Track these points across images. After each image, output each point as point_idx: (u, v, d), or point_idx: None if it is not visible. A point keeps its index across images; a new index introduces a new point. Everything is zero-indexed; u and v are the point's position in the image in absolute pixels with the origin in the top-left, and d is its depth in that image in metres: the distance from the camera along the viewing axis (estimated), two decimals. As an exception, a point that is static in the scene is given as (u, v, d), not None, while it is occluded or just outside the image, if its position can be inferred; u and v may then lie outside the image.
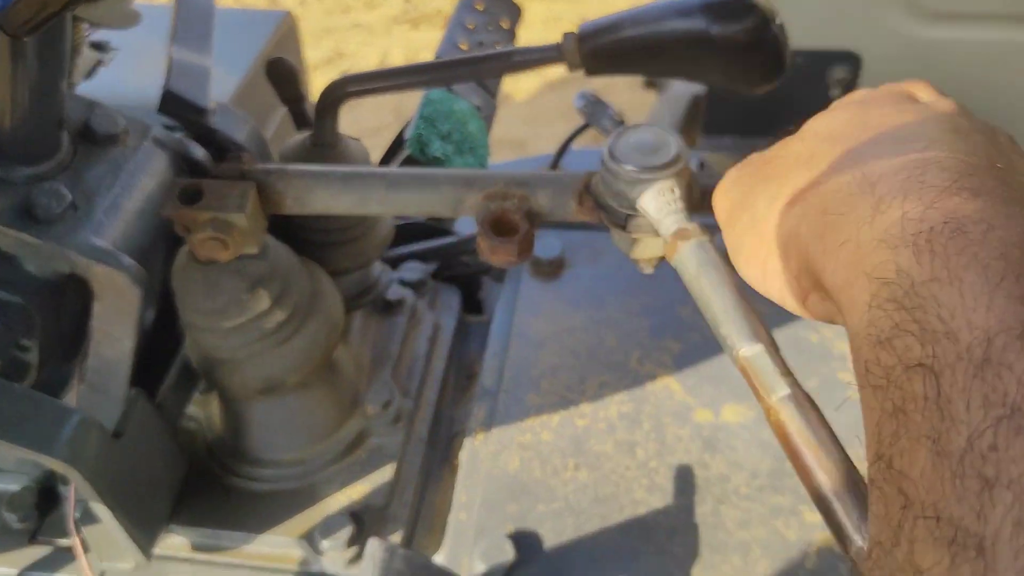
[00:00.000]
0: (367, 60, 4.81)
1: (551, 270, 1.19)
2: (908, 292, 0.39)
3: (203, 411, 1.06)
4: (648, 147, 0.76)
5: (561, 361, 1.09)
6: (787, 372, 0.62)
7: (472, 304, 1.33)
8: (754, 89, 0.88)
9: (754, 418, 1.02)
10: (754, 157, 0.62)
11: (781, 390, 0.60)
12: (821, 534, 0.92)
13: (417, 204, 0.85)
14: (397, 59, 4.83)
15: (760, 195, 0.56)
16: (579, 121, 1.47)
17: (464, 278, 1.30)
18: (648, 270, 0.84)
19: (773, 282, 0.55)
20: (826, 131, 0.54)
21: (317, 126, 0.96)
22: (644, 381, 1.07)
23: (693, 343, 1.10)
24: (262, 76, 1.57)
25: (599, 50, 0.86)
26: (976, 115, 0.56)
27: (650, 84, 2.25)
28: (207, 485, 1.01)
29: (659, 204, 0.74)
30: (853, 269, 0.44)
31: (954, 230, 0.40)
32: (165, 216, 0.81)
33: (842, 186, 0.48)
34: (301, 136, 1.00)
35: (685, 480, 0.97)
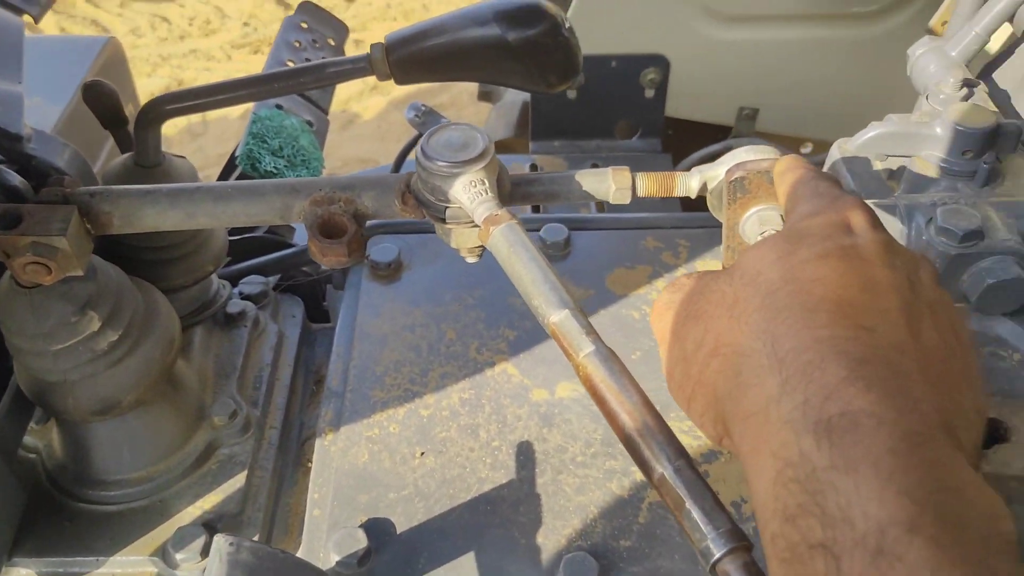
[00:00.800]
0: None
1: (389, 273, 1.24)
2: (810, 476, 0.45)
3: (42, 440, 1.05)
4: (457, 144, 0.82)
5: (403, 357, 1.14)
6: (591, 331, 0.70)
7: (318, 313, 1.36)
8: (551, 89, 0.96)
9: (586, 392, 1.09)
10: (685, 283, 0.65)
11: (587, 347, 0.68)
12: (653, 493, 1.00)
13: (245, 215, 0.88)
14: (238, 84, 4.77)
15: (688, 333, 0.60)
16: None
17: (307, 288, 1.33)
18: (472, 259, 0.90)
19: (694, 416, 0.60)
20: (752, 274, 0.57)
21: (138, 146, 0.98)
22: (483, 368, 1.13)
23: (526, 330, 1.17)
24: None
25: (405, 59, 0.92)
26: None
27: (484, 96, 2.34)
28: (52, 514, 1.00)
29: (471, 194, 0.80)
30: (760, 442, 0.50)
31: (849, 423, 0.45)
32: (-17, 241, 0.81)
33: (755, 353, 0.52)
34: (123, 158, 1.02)
35: (526, 455, 1.04)
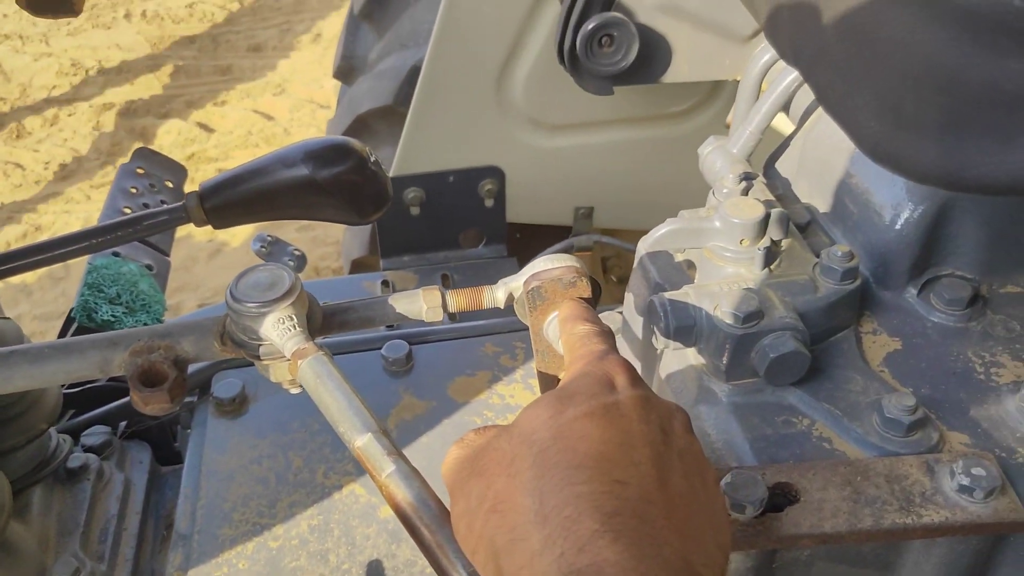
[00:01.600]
0: (69, 229, 4.64)
1: (235, 407, 1.25)
2: None
3: None
4: (265, 284, 0.86)
5: (251, 491, 1.15)
6: (392, 451, 0.74)
7: (169, 454, 1.35)
8: (366, 219, 1.02)
9: (433, 503, 1.12)
10: (472, 439, 0.68)
11: (388, 467, 0.72)
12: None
13: (65, 373, 0.89)
14: (101, 223, 4.70)
15: (472, 489, 0.63)
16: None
17: (156, 431, 1.32)
18: (294, 390, 0.93)
19: (478, 568, 0.63)
20: (527, 432, 0.62)
21: (-43, 312, 0.98)
22: (331, 492, 1.14)
23: (374, 448, 1.20)
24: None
25: (220, 206, 0.96)
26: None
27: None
28: None
29: (280, 331, 0.84)
30: None
31: (595, 572, 0.51)
32: None
33: (525, 509, 0.57)
34: (-58, 325, 1.01)
35: (376, 574, 1.05)
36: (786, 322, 0.94)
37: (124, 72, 6.12)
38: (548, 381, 0.99)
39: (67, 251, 0.98)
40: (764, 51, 1.26)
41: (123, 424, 1.30)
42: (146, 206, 1.52)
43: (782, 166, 1.28)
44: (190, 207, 0.96)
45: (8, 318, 1.06)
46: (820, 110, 1.19)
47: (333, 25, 6.67)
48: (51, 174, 5.06)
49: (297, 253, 1.68)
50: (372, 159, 1.01)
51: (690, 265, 1.12)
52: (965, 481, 0.83)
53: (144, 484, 1.21)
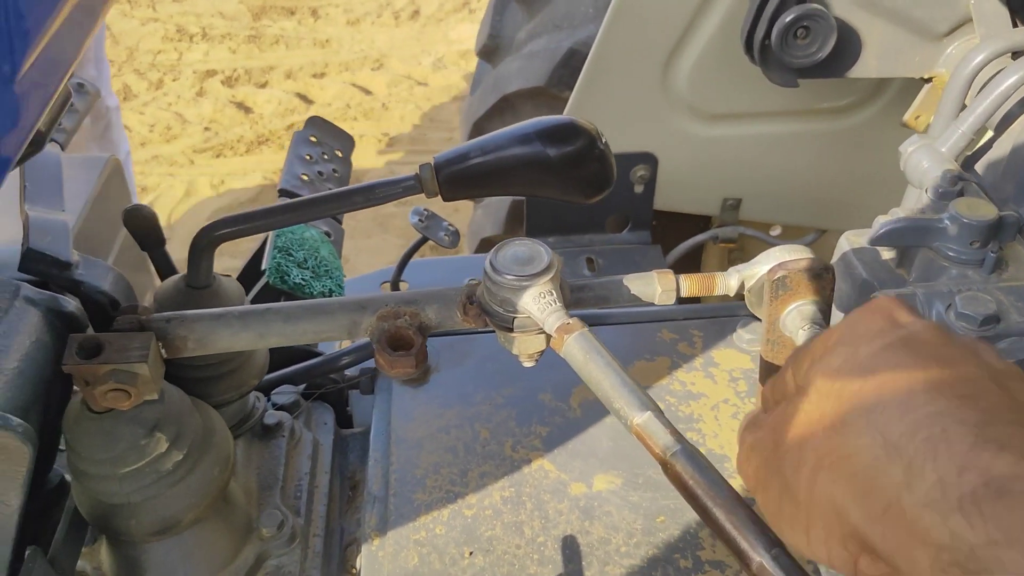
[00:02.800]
0: (172, 192, 4.76)
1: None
2: (969, 556, 0.43)
3: (91, 562, 1.05)
4: (524, 259, 0.87)
5: (441, 459, 1.17)
6: (674, 430, 0.74)
7: (343, 419, 1.38)
8: (588, 199, 1.02)
9: (623, 484, 1.13)
10: (760, 418, 0.64)
11: (673, 447, 0.73)
12: (695, 578, 1.04)
13: (315, 333, 0.91)
14: (203, 189, 4.81)
15: (784, 461, 0.58)
16: (411, 235, 1.58)
17: (333, 395, 1.35)
18: (529, 363, 0.95)
19: (819, 549, 0.56)
20: (827, 385, 0.57)
21: (191, 269, 1.01)
22: (520, 465, 1.16)
23: (558, 425, 1.21)
24: (94, 218, 1.60)
25: (453, 177, 0.98)
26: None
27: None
28: (106, 637, 1.00)
29: (540, 305, 0.85)
30: (904, 534, 0.47)
31: (996, 491, 0.43)
32: (66, 371, 0.83)
33: (864, 449, 0.51)
34: (174, 280, 1.05)
35: (571, 549, 1.06)
36: (1023, 327, 0.93)
37: (227, 40, 6.25)
38: (771, 371, 0.99)
39: (302, 214, 1.01)
40: (978, 50, 1.23)
41: (303, 386, 1.33)
42: (320, 173, 1.55)
43: (982, 168, 1.25)
44: (424, 178, 0.98)
45: (230, 276, 1.09)
46: (1038, 112, 1.16)
47: (431, 3, 6.72)
48: (156, 136, 5.20)
49: (452, 229, 1.69)
50: (603, 140, 1.01)
51: (898, 264, 1.10)
52: None
53: (330, 444, 1.24)
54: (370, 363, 1.34)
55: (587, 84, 1.73)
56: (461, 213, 3.57)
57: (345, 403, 1.41)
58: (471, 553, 1.07)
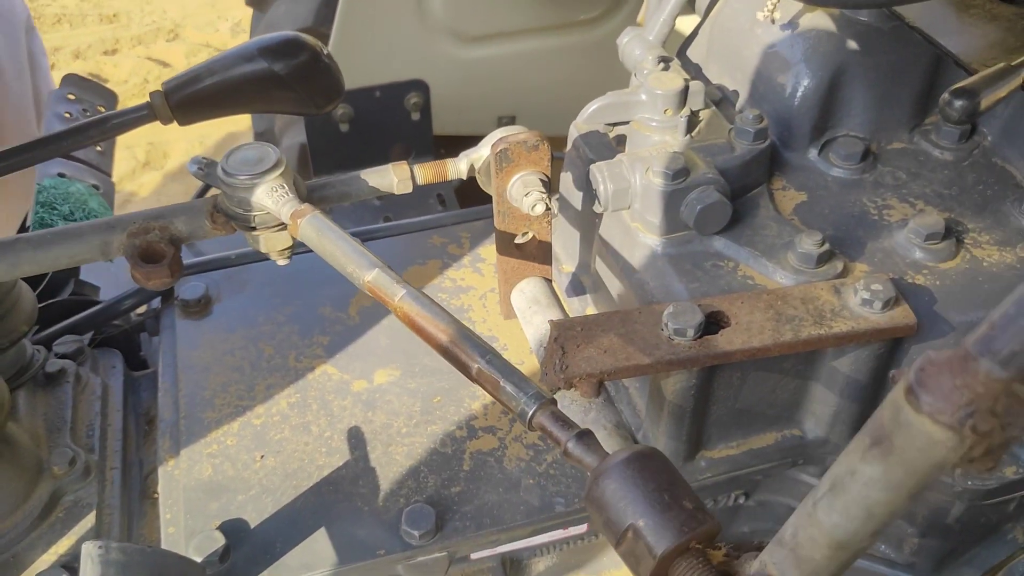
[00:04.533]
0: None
1: (200, 308, 1.32)
2: None
3: None
4: (253, 160, 0.94)
5: (228, 378, 1.23)
6: (399, 280, 0.84)
7: (136, 362, 1.41)
8: (320, 111, 1.09)
9: (401, 374, 1.23)
10: None
11: (399, 292, 0.82)
12: (472, 443, 1.15)
13: (68, 257, 0.95)
14: None
15: None
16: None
17: (122, 339, 1.38)
18: (283, 261, 1.02)
19: None
20: None
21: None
22: (304, 373, 1.23)
23: (338, 333, 1.29)
24: None
25: (185, 101, 1.02)
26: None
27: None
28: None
29: (274, 199, 0.92)
30: None
31: None
32: None
33: None
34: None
35: (356, 438, 1.15)
36: (709, 177, 1.07)
37: (3, 24, 5.85)
38: (506, 239, 1.10)
39: (39, 152, 1.03)
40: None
41: (89, 335, 1.35)
42: (83, 130, 1.54)
43: (692, 53, 1.40)
44: (156, 104, 1.02)
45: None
46: (724, -3, 1.31)
47: (221, -34, 6.49)
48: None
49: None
50: (325, 52, 1.08)
51: (619, 142, 1.23)
52: (866, 295, 0.97)
53: (120, 386, 1.27)
54: (155, 304, 1.37)
55: (345, 19, 1.79)
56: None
57: (138, 348, 1.44)
58: (262, 456, 1.14)
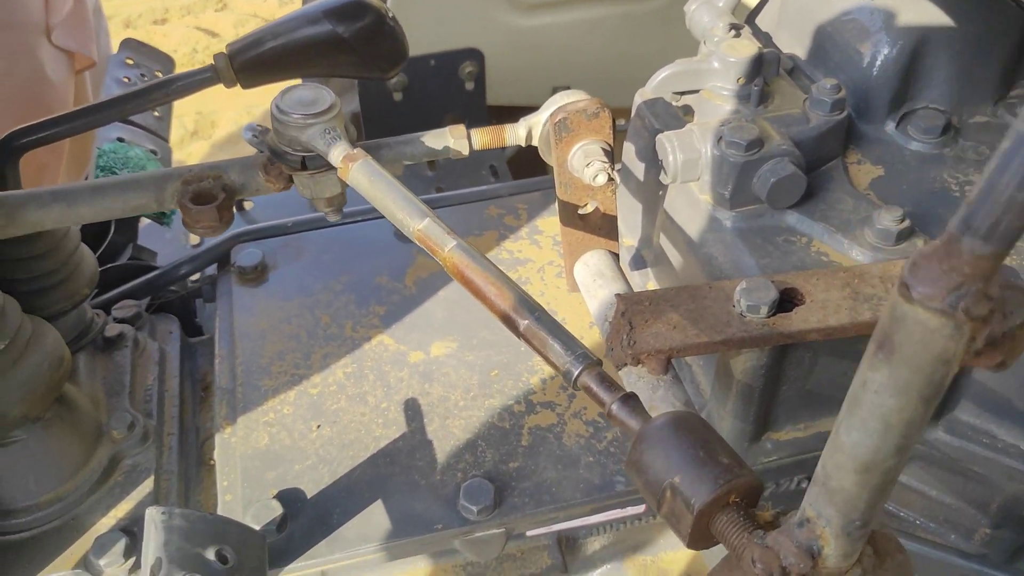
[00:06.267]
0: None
1: (256, 275, 1.31)
2: None
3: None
4: (307, 101, 0.92)
5: (285, 346, 1.22)
6: (450, 231, 0.82)
7: (192, 328, 1.41)
8: (384, 75, 1.07)
9: (458, 347, 1.21)
10: None
11: (450, 243, 0.80)
12: (531, 418, 1.13)
13: (123, 205, 0.95)
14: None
15: None
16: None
17: (178, 305, 1.38)
18: (334, 217, 1.00)
19: None
20: None
21: (-1, 181, 1.02)
22: (361, 343, 1.22)
23: (395, 303, 1.27)
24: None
25: (248, 64, 1.00)
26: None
27: None
28: (-35, 550, 1.02)
29: (326, 140, 0.90)
30: None
31: None
32: None
33: None
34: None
35: (413, 410, 1.14)
36: (783, 148, 1.03)
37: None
38: (569, 210, 1.07)
39: (103, 115, 1.02)
40: (744, -91, 1.31)
41: (147, 300, 1.35)
42: (140, 95, 1.53)
43: (763, 22, 1.35)
44: (219, 67, 1.01)
45: (42, 189, 1.09)
46: (801, -39, 1.26)
47: (270, -64, 6.49)
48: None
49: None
50: (390, 15, 1.05)
51: (686, 111, 1.19)
52: (950, 275, 0.93)
53: (177, 352, 1.27)
54: (211, 270, 1.37)
55: (403, -16, 1.76)
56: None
57: (193, 314, 1.44)
58: (319, 426, 1.13)
